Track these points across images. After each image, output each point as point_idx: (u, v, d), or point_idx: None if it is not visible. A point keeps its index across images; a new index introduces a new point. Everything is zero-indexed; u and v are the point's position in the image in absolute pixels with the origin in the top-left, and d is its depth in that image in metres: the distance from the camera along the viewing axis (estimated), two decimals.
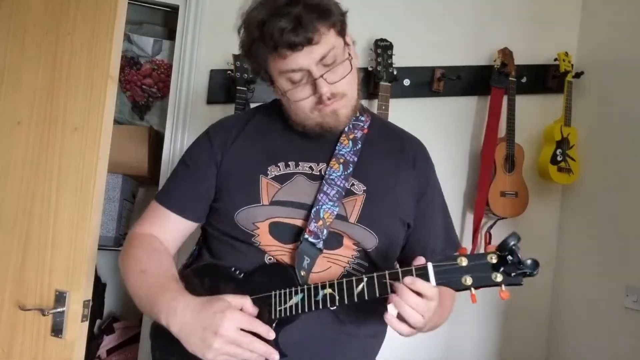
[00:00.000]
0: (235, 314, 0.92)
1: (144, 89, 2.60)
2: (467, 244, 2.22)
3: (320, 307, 0.95)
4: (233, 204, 1.08)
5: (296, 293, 0.97)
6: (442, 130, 2.25)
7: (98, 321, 2.58)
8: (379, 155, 1.15)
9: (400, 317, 0.90)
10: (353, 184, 1.09)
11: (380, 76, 2.00)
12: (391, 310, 0.90)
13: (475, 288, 0.88)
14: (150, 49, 2.52)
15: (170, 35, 2.56)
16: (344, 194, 1.06)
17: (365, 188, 1.09)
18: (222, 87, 2.07)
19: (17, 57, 1.43)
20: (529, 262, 0.85)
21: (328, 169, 1.08)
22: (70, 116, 1.36)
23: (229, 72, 2.00)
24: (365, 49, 2.10)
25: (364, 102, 2.13)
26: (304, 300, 0.96)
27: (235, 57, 1.94)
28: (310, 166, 1.09)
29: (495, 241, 2.19)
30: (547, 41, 2.35)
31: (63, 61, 1.38)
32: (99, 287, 2.55)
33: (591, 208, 2.22)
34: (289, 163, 1.10)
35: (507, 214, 2.18)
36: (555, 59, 2.26)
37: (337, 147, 1.11)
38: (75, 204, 1.33)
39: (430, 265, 0.90)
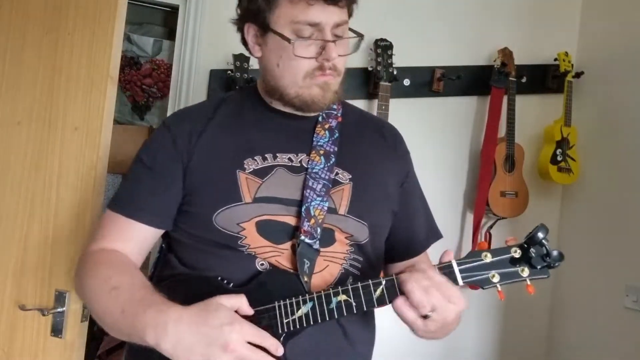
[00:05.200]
0: (245, 325, 0.81)
1: (144, 89, 2.60)
2: (467, 243, 2.22)
3: (335, 316, 0.87)
4: (209, 205, 0.96)
5: (304, 302, 0.87)
6: (442, 130, 2.25)
7: None
8: (359, 143, 1.09)
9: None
10: (337, 173, 1.02)
11: (380, 76, 2.00)
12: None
13: (502, 284, 0.85)
14: (150, 49, 2.53)
15: (170, 35, 2.56)
16: (330, 186, 0.99)
17: (350, 176, 1.02)
18: (222, 87, 2.06)
19: (17, 57, 1.43)
20: (555, 253, 0.83)
21: (309, 162, 1.00)
22: (70, 116, 1.36)
23: (229, 72, 2.00)
24: (365, 49, 2.10)
25: (365, 102, 2.14)
26: (314, 309, 0.87)
27: (235, 57, 1.94)
28: (289, 157, 1.01)
29: (496, 241, 2.20)
30: (547, 41, 2.35)
31: (63, 61, 1.38)
32: None
33: (591, 208, 2.22)
34: (266, 155, 1.00)
35: (507, 214, 2.18)
36: (555, 59, 2.26)
37: (314, 139, 1.03)
38: (75, 204, 1.33)
39: (454, 263, 0.86)
